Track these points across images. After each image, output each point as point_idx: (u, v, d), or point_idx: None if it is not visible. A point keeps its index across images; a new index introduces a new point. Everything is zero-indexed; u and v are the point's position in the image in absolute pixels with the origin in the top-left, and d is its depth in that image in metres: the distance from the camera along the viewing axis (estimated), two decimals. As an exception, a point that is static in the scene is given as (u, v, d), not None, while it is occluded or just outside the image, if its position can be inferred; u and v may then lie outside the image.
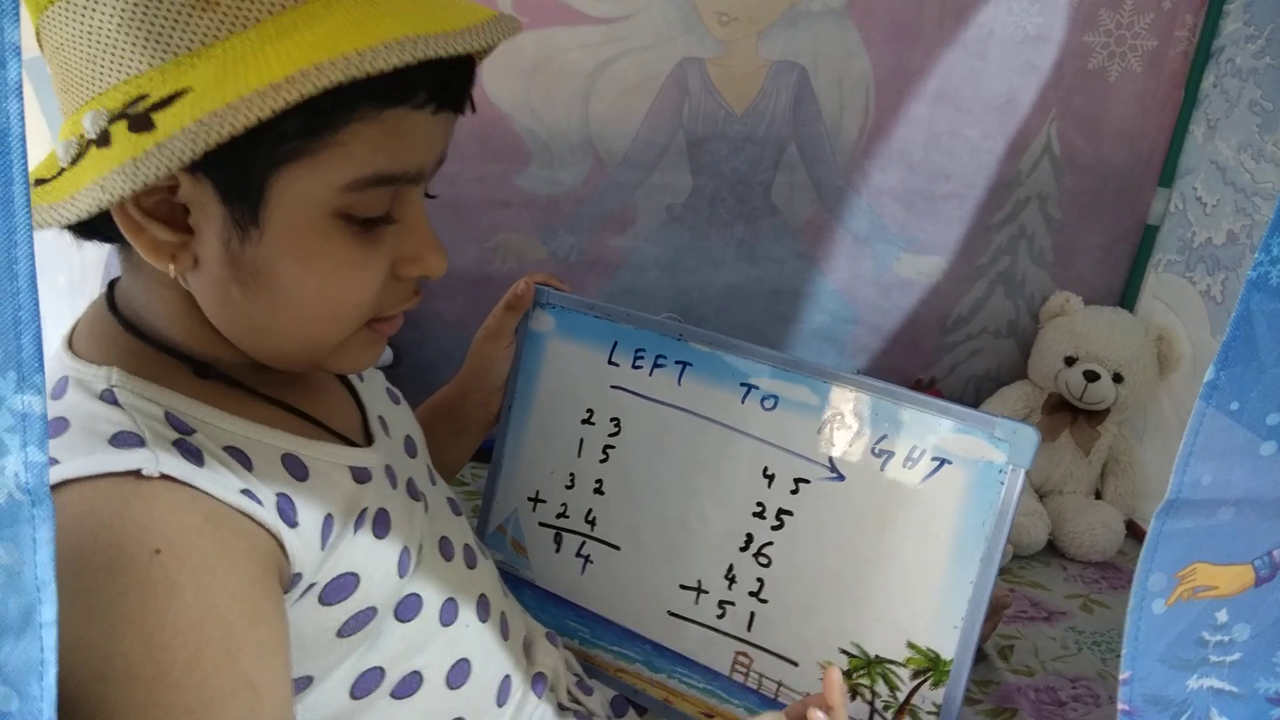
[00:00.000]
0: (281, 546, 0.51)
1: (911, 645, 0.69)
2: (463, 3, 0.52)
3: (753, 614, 0.75)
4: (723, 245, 1.36)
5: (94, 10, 0.46)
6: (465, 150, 1.25)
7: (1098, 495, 1.40)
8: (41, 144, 0.50)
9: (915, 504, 0.68)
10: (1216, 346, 0.43)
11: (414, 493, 0.66)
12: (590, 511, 0.82)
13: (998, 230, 1.40)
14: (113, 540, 0.45)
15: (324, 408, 0.62)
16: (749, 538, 0.75)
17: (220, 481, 0.49)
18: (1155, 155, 1.37)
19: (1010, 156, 1.35)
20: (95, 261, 1.01)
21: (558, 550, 0.83)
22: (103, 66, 0.47)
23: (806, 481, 0.72)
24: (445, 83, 0.52)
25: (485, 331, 0.83)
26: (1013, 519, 0.65)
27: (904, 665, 0.69)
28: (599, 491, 0.81)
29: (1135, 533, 1.33)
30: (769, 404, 0.74)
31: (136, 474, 0.47)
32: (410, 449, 0.70)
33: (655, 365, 0.78)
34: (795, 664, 0.73)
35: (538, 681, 0.73)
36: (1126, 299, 1.45)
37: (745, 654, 0.75)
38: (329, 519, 0.55)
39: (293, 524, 0.52)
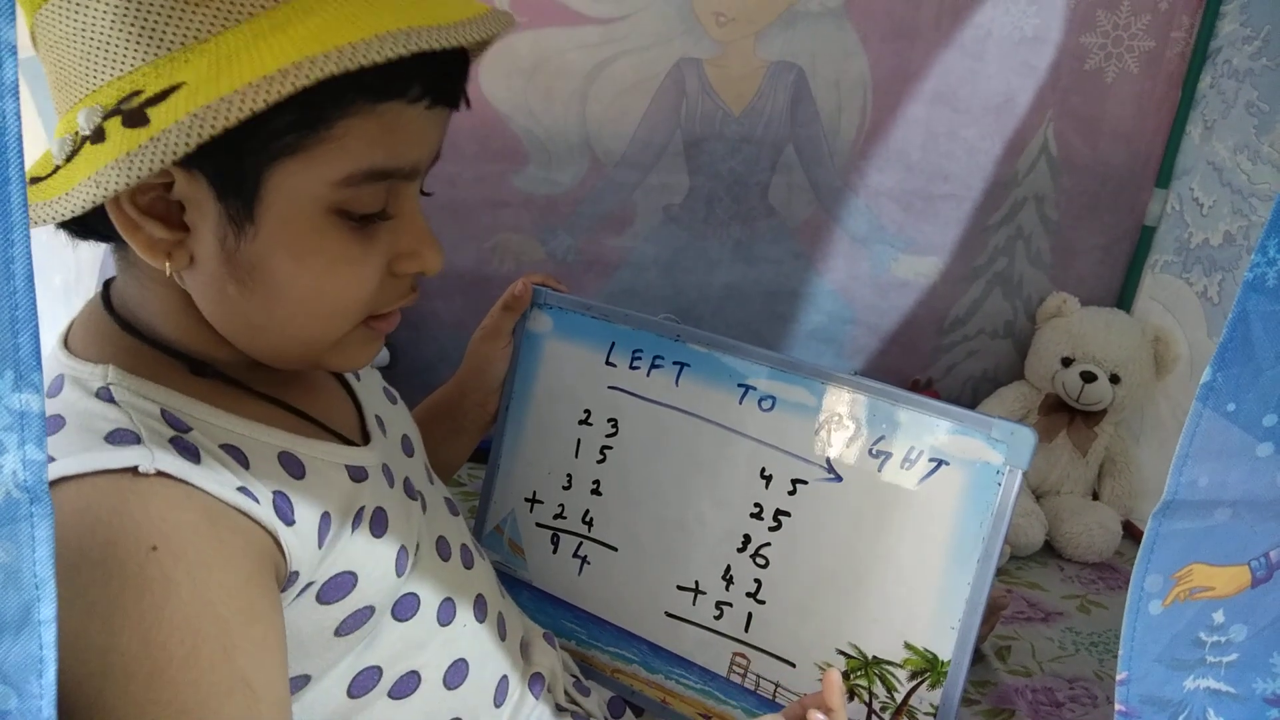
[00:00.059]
0: (278, 544, 0.51)
1: (909, 646, 0.69)
2: None
3: (750, 615, 0.75)
4: (720, 246, 1.36)
5: (88, 8, 0.46)
6: (463, 151, 1.25)
7: (1095, 496, 1.41)
8: (37, 144, 0.50)
9: (912, 505, 0.68)
10: (1213, 347, 0.43)
11: (411, 492, 0.66)
12: (587, 512, 0.81)
13: (995, 231, 1.40)
14: (109, 537, 0.45)
15: (321, 406, 0.62)
16: (746, 539, 0.75)
17: (217, 479, 0.49)
18: (1152, 156, 1.38)
19: (1008, 157, 1.35)
20: (91, 261, 1.01)
21: (555, 551, 0.83)
22: (97, 63, 0.47)
23: (804, 482, 0.72)
24: (440, 77, 0.52)
25: (483, 332, 0.83)
26: (1010, 520, 0.65)
27: (901, 666, 0.69)
28: (596, 492, 0.81)
29: (1132, 533, 1.34)
30: (766, 405, 0.74)
31: (133, 471, 0.47)
32: (407, 448, 0.70)
33: (653, 366, 0.78)
34: (793, 665, 0.73)
35: (535, 682, 0.73)
36: (1123, 300, 1.45)
37: (743, 655, 0.75)
38: (326, 517, 0.55)
39: (289, 522, 0.52)
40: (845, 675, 0.71)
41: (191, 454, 0.50)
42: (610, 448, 0.80)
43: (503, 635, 0.71)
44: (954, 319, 1.45)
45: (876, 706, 0.70)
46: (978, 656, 1.07)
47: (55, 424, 0.49)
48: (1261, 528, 0.48)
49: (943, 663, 0.67)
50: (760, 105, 1.28)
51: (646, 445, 0.79)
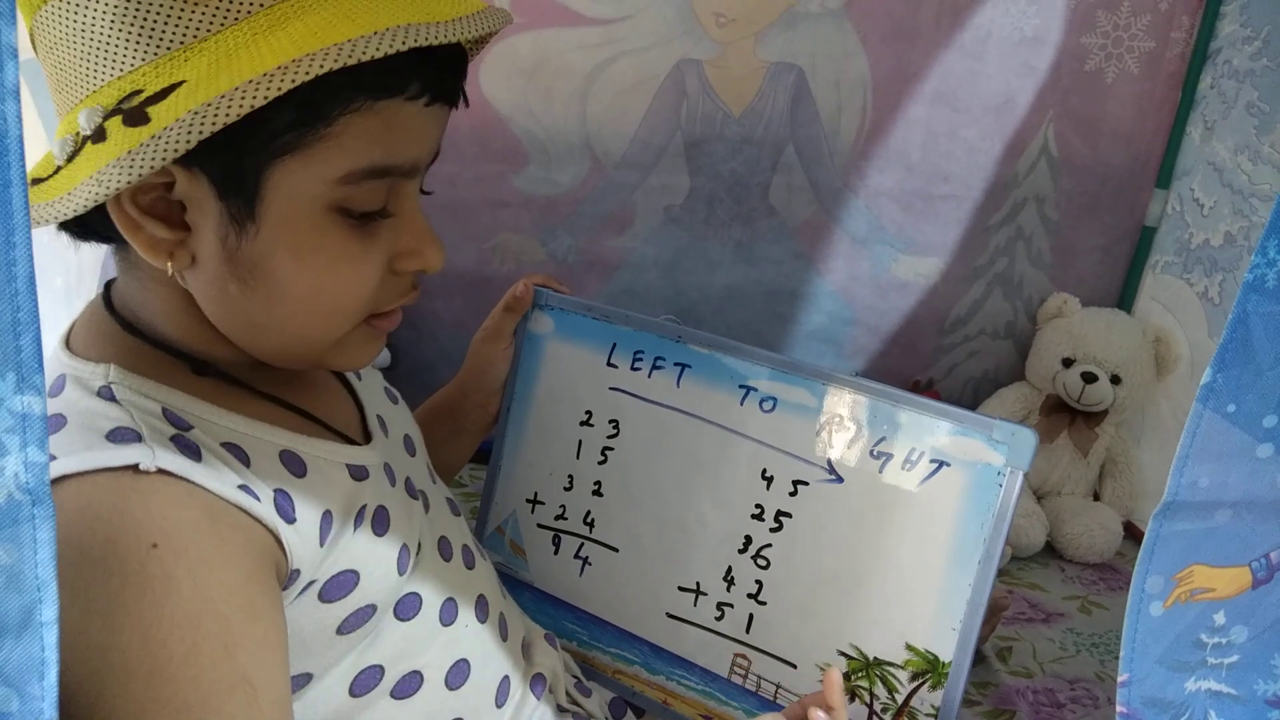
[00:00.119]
0: (279, 542, 0.51)
1: (910, 647, 0.69)
2: None
3: (751, 616, 0.75)
4: (721, 246, 1.36)
5: (87, 8, 0.47)
6: (464, 151, 1.25)
7: (1096, 497, 1.41)
8: (37, 146, 0.50)
9: (913, 506, 0.68)
10: (1214, 348, 0.43)
11: (413, 491, 0.66)
12: (589, 513, 0.82)
13: (995, 231, 1.40)
14: (110, 535, 0.45)
15: (323, 406, 0.62)
16: (747, 540, 0.75)
17: (218, 477, 0.49)
18: (1152, 157, 1.38)
19: (1008, 158, 1.35)
20: (92, 264, 1.01)
21: (556, 552, 0.83)
22: (97, 64, 0.47)
23: (805, 483, 0.72)
24: (438, 75, 0.52)
25: (484, 333, 0.83)
26: (1011, 521, 0.65)
27: (902, 667, 0.69)
28: (597, 493, 0.81)
29: (1133, 534, 1.34)
30: (767, 406, 0.74)
31: (134, 469, 0.47)
32: (409, 448, 0.70)
33: (654, 367, 0.78)
34: (794, 666, 0.73)
35: (536, 683, 0.73)
36: (1124, 300, 1.45)
37: (744, 656, 0.75)
38: (327, 516, 0.55)
39: (290, 520, 0.52)
40: (846, 676, 0.71)
41: (192, 452, 0.50)
42: (611, 449, 0.80)
43: (504, 636, 0.71)
44: (954, 320, 1.45)
45: (877, 708, 0.70)
46: (979, 658, 1.07)
47: (57, 423, 0.49)
48: (1262, 529, 0.48)
49: (944, 664, 0.67)
50: (760, 106, 1.28)
51: (648, 446, 0.79)
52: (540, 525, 0.84)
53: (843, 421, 0.71)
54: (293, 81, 0.43)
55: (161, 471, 0.47)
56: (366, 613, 0.58)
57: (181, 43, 0.46)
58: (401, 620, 0.62)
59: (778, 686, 0.74)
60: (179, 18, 0.46)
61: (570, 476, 0.82)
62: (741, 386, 0.75)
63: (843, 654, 0.71)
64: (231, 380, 0.56)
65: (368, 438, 0.65)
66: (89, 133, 0.47)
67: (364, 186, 0.51)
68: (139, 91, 0.46)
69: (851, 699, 0.70)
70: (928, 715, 0.68)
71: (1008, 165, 1.35)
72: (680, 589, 0.77)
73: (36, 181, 0.50)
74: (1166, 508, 0.46)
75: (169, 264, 0.50)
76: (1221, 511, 0.47)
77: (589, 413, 0.81)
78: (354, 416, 0.66)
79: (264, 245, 0.50)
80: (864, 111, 1.31)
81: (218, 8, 0.46)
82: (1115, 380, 1.33)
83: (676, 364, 0.77)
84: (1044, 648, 1.11)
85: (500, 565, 0.85)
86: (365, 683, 0.60)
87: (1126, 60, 1.32)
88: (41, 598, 0.32)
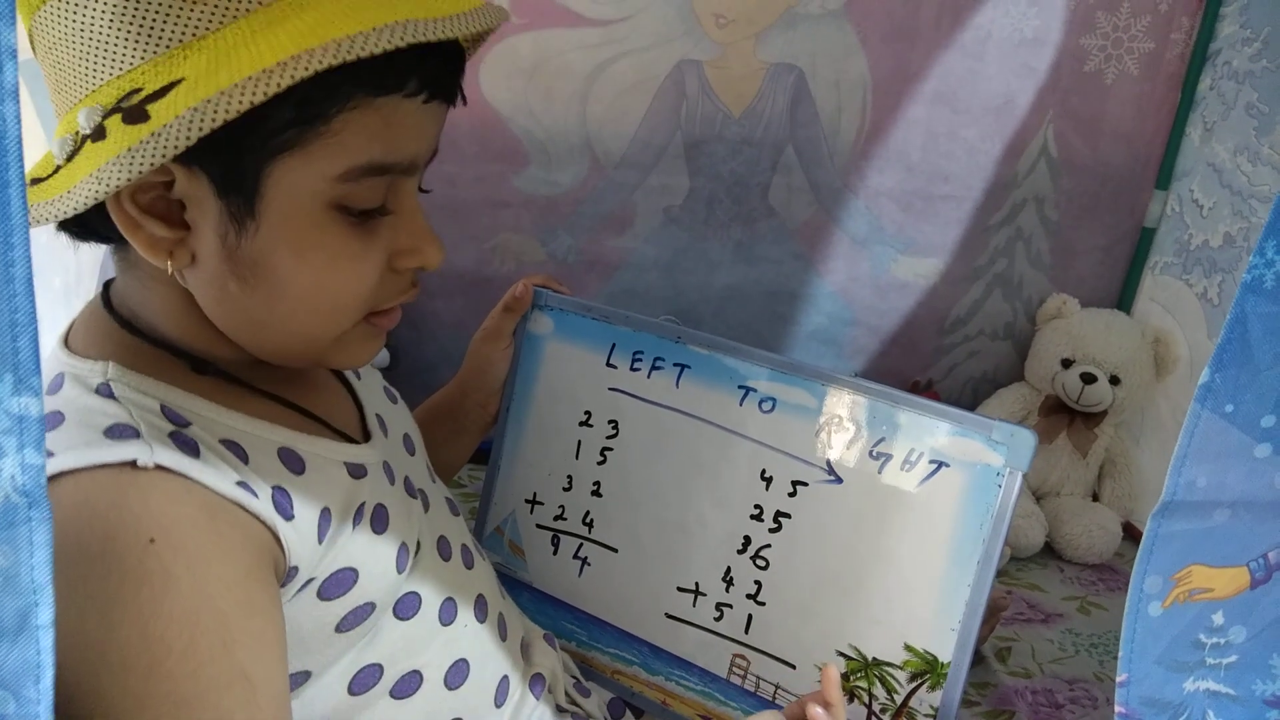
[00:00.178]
0: (277, 539, 0.52)
1: (909, 648, 0.69)
2: None
3: (750, 616, 0.75)
4: (720, 247, 1.36)
5: (86, 8, 0.47)
6: (464, 151, 1.25)
7: (1095, 497, 1.41)
8: (36, 146, 0.50)
9: (913, 507, 0.68)
10: (1213, 349, 0.43)
11: (412, 490, 0.66)
12: (588, 514, 0.82)
13: (995, 232, 1.40)
14: (108, 530, 0.45)
15: (322, 404, 0.62)
16: (747, 540, 0.75)
17: (216, 473, 0.49)
18: (1152, 158, 1.38)
19: (1008, 158, 1.35)
20: (91, 264, 1.01)
21: (555, 552, 0.83)
22: (96, 63, 0.47)
23: (804, 484, 0.72)
24: (436, 72, 0.52)
25: (484, 333, 0.83)
26: (1010, 521, 0.66)
27: (901, 668, 0.69)
28: (597, 494, 0.81)
29: (1132, 534, 1.34)
30: (767, 406, 0.74)
31: (132, 465, 0.47)
32: (408, 447, 0.71)
33: (653, 367, 0.78)
34: (793, 666, 0.73)
35: (535, 683, 0.73)
36: (1123, 301, 1.45)
37: (743, 656, 0.75)
38: (326, 513, 0.55)
39: (289, 517, 0.52)
40: (845, 677, 0.71)
41: (191, 448, 0.50)
42: (611, 449, 0.80)
43: (503, 636, 0.71)
44: (954, 320, 1.45)
45: (876, 708, 0.70)
46: (978, 658, 1.07)
47: (55, 420, 0.49)
48: (1260, 529, 0.48)
49: (943, 664, 0.67)
50: (760, 106, 1.28)
51: (647, 447, 0.79)
52: (539, 525, 0.84)
53: (842, 422, 0.71)
54: (292, 78, 0.43)
55: (159, 467, 0.48)
56: (365, 611, 0.58)
57: (180, 40, 0.46)
58: (401, 619, 0.62)
59: (777, 687, 0.74)
60: (178, 16, 0.46)
61: (569, 477, 0.82)
62: (741, 387, 0.75)
63: (842, 654, 0.71)
64: (231, 378, 0.56)
65: (367, 436, 0.65)
66: (88, 131, 0.47)
67: (363, 184, 0.51)
68: (138, 90, 0.46)
69: (850, 699, 0.70)
70: (927, 715, 0.68)
71: (1007, 166, 1.35)
72: (679, 589, 0.77)
73: (36, 181, 0.50)
74: (1165, 508, 0.46)
75: (169, 263, 0.51)
76: (1220, 511, 0.47)
77: (588, 413, 0.81)
78: (353, 415, 0.66)
79: (264, 243, 0.50)
80: (864, 112, 1.31)
81: (216, 6, 0.46)
82: (1114, 381, 1.33)
83: (676, 364, 0.77)
84: (1043, 648, 1.11)
85: (499, 565, 0.85)
86: (364, 681, 0.60)
87: (1126, 61, 1.32)
88: (38, 601, 0.32)
